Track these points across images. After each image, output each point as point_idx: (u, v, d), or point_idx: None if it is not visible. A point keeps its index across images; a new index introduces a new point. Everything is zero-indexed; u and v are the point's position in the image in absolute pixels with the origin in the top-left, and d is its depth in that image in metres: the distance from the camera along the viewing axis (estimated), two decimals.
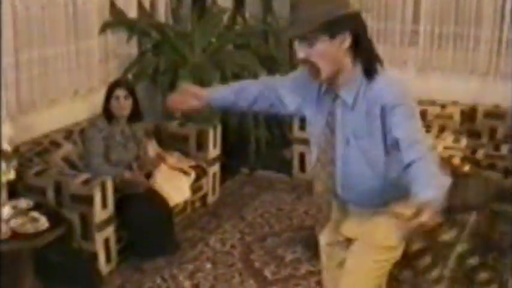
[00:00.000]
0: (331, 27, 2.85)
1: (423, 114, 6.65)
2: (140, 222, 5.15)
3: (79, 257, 4.90)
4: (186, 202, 5.86)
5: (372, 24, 7.07)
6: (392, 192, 3.00)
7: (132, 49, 6.49)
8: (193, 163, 6.07)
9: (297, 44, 2.93)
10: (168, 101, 3.50)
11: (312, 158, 3.28)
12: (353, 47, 2.92)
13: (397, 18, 7.08)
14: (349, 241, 3.32)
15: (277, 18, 7.23)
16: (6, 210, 4.62)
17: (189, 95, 3.38)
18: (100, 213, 4.86)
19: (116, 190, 5.06)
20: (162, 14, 6.82)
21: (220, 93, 3.46)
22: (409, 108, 2.93)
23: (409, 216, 2.57)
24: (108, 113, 5.41)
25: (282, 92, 3.24)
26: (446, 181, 2.77)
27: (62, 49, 5.64)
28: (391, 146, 2.95)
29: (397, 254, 3.24)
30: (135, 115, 5.50)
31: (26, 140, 5.28)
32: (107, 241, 4.99)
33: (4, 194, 4.73)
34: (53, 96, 5.59)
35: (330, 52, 2.90)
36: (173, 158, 5.98)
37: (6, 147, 4.64)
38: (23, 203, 4.77)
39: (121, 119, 5.43)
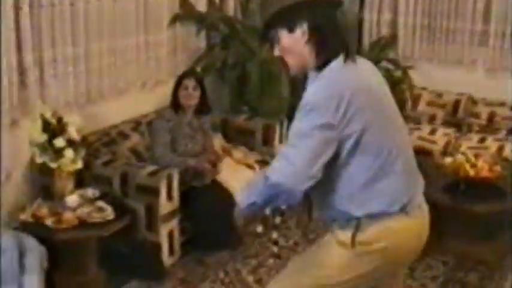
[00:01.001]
0: (286, 19, 2.79)
1: (491, 116, 6.55)
2: (205, 215, 5.15)
3: (143, 248, 4.92)
4: None
5: (441, 24, 6.96)
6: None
7: (200, 42, 6.50)
8: (258, 158, 6.04)
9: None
10: None
11: None
12: (316, 40, 2.80)
13: (467, 17, 6.93)
14: None
15: (345, 11, 7.14)
16: (74, 199, 4.67)
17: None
18: (165, 205, 4.87)
19: (182, 182, 5.06)
20: (231, 7, 6.80)
21: None
22: (304, 112, 2.74)
23: None
24: (176, 104, 5.43)
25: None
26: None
27: (132, 41, 5.68)
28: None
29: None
30: (203, 107, 5.51)
31: (94, 130, 5.32)
32: (171, 233, 5.00)
33: (71, 183, 4.78)
34: (121, 87, 5.63)
35: (292, 46, 2.83)
36: (239, 153, 5.96)
37: (75, 136, 4.68)
38: (90, 192, 4.81)
39: (188, 110, 5.44)
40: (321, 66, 2.81)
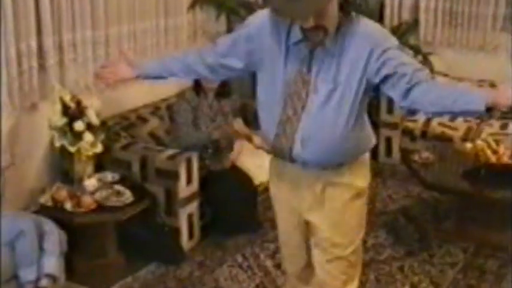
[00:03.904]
0: None
1: None
2: (224, 199, 5.15)
3: (162, 232, 4.93)
4: None
5: (463, 9, 6.89)
6: (349, 150, 3.08)
7: (220, 27, 6.48)
8: None
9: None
10: (97, 72, 3.57)
11: (265, 116, 3.20)
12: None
13: (490, 2, 6.83)
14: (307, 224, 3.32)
15: None
16: (92, 183, 4.68)
17: (119, 65, 3.41)
18: (184, 188, 4.87)
19: (201, 167, 5.06)
20: None
21: (153, 61, 3.52)
22: (401, 49, 2.97)
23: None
24: (197, 86, 5.44)
25: (224, 52, 3.18)
26: None
27: (152, 25, 5.68)
28: (362, 97, 2.99)
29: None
30: (224, 90, 5.50)
31: (113, 113, 5.33)
32: (190, 217, 5.00)
33: (90, 167, 4.79)
34: None
35: (333, 9, 2.85)
36: (259, 138, 5.93)
37: (95, 120, 4.69)
38: (109, 176, 4.83)
39: (209, 93, 5.44)
40: (348, 12, 2.93)
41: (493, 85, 6.65)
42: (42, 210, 4.51)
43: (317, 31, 2.86)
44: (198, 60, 3.25)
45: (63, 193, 4.57)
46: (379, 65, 2.87)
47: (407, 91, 2.85)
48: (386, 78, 2.89)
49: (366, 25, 2.94)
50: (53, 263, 4.18)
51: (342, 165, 3.13)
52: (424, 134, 6.41)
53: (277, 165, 3.30)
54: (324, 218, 3.21)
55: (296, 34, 2.94)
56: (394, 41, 2.95)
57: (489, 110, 2.67)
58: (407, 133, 6.53)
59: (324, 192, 3.16)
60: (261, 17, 3.05)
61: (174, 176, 4.80)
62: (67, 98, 4.64)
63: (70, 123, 4.60)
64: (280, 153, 3.15)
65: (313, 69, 2.96)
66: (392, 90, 2.92)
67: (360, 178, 3.22)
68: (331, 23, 2.86)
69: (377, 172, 6.51)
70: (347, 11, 2.90)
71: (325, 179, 3.14)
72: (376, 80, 2.92)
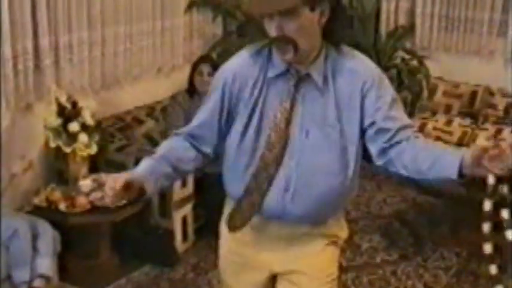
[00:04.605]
0: None
1: (508, 108, 6.52)
2: (219, 201, 5.13)
3: (156, 234, 4.93)
4: None
5: (460, 13, 6.90)
6: (346, 200, 2.85)
7: (216, 29, 6.49)
8: None
9: (267, 21, 2.59)
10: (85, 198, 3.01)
11: (233, 170, 2.86)
12: (331, 22, 2.60)
13: (486, 7, 6.85)
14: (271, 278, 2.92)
15: (364, 2, 7.11)
16: (87, 184, 4.67)
17: (111, 188, 2.67)
18: (179, 191, 4.87)
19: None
20: None
21: (151, 167, 2.75)
22: (391, 89, 2.70)
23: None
24: (192, 89, 5.44)
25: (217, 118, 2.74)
26: None
27: (148, 26, 5.67)
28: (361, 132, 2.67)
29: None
30: None
31: (108, 115, 5.33)
32: (184, 219, 5.01)
33: (85, 168, 4.79)
34: (136, 72, 5.63)
35: (310, 26, 2.55)
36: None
37: (89, 121, 4.68)
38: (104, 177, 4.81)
39: (203, 95, 5.43)
40: (338, 45, 2.67)
41: (488, 89, 6.67)
42: (37, 211, 4.50)
43: (284, 47, 2.54)
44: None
45: (57, 194, 4.57)
46: (372, 111, 2.62)
47: (384, 150, 2.64)
48: (369, 126, 2.64)
49: (362, 61, 2.70)
50: (46, 264, 4.18)
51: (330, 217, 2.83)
52: None
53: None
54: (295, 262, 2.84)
55: (277, 66, 2.64)
56: (389, 87, 2.69)
57: (462, 176, 2.49)
58: None
59: (300, 243, 2.82)
60: (221, 74, 2.74)
61: None
62: (63, 99, 4.63)
63: (65, 124, 4.59)
64: (250, 210, 2.77)
65: (297, 107, 2.64)
66: (370, 143, 2.67)
67: (344, 229, 2.94)
68: (306, 42, 2.56)
69: (372, 176, 6.53)
70: (335, 42, 2.67)
71: (304, 231, 2.80)
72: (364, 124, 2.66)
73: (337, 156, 2.65)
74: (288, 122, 2.63)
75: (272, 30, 2.56)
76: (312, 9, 2.53)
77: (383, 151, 2.65)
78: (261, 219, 2.77)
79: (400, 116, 2.67)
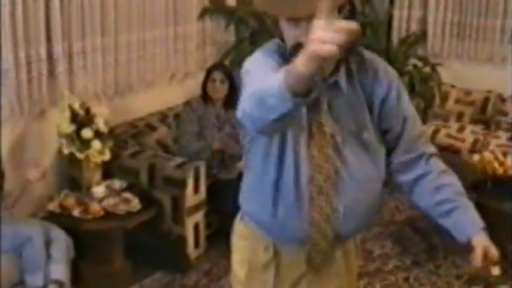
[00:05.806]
0: None
1: None
2: (231, 208, 5.13)
3: (168, 240, 4.93)
4: None
5: (472, 21, 6.89)
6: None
7: (229, 36, 6.50)
8: None
9: (291, 25, 2.36)
10: None
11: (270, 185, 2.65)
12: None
13: (498, 14, 6.83)
14: None
15: (376, 10, 7.11)
16: (100, 190, 4.69)
17: None
18: (192, 197, 4.87)
19: (209, 175, 5.07)
20: None
21: None
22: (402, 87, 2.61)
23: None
24: (205, 95, 5.46)
25: None
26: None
27: (161, 33, 5.69)
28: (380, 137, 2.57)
29: None
30: (231, 100, 5.50)
31: (121, 121, 5.34)
32: (196, 226, 5.00)
33: (98, 174, 4.81)
34: (149, 79, 5.65)
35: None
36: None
37: (103, 127, 4.70)
38: (117, 183, 4.83)
39: (217, 102, 5.46)
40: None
41: (500, 96, 6.65)
42: (50, 217, 4.52)
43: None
44: None
45: (71, 200, 4.58)
46: (394, 111, 2.54)
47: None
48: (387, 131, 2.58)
49: (378, 61, 2.56)
50: (59, 269, 4.20)
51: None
52: None
53: (261, 252, 2.88)
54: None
55: None
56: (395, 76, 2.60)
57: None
58: None
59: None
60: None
61: (181, 184, 4.80)
62: (76, 105, 4.66)
63: (78, 131, 4.61)
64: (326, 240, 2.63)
65: (329, 116, 2.48)
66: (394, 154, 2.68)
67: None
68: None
69: (384, 183, 6.50)
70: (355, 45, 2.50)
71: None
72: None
73: (372, 163, 2.64)
74: (325, 134, 2.48)
75: (297, 34, 2.31)
76: (339, 13, 2.31)
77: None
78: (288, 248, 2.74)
79: (418, 124, 2.67)
